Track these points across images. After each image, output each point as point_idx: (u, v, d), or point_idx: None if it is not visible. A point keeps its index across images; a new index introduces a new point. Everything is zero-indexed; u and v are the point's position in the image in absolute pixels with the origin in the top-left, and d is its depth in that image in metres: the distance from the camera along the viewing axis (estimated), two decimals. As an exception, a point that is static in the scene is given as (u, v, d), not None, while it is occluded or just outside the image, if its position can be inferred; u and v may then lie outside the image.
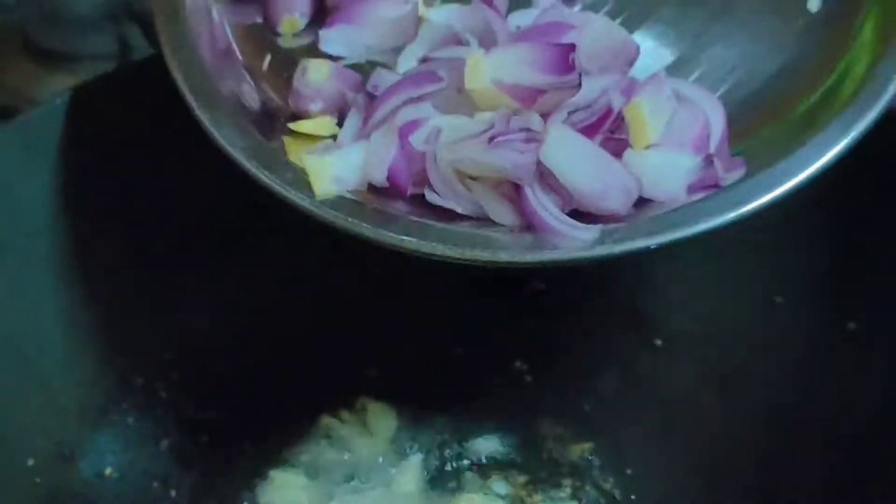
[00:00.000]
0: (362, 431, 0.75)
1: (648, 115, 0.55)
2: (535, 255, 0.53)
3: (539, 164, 0.52)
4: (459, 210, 0.54)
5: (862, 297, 0.65)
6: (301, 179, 0.54)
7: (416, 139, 0.54)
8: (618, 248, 0.53)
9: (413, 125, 0.55)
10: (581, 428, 0.74)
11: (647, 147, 0.54)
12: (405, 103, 0.56)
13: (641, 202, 0.54)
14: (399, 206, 0.55)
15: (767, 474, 0.66)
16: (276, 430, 0.74)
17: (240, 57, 0.62)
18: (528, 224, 0.53)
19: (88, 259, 0.69)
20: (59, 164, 0.68)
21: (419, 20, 0.59)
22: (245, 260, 0.72)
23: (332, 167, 0.55)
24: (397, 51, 0.60)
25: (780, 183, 0.54)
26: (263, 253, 0.72)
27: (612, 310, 0.73)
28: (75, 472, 0.67)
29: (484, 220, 0.54)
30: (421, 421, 0.76)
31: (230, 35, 0.63)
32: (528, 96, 0.54)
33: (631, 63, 0.57)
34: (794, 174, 0.54)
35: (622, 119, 0.54)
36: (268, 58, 0.62)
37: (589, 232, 0.52)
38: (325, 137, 0.58)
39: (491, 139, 0.52)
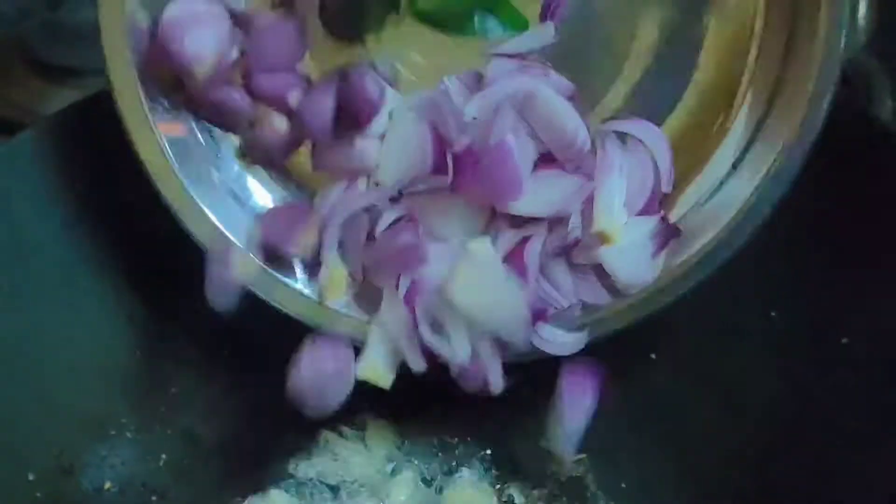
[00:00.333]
0: (360, 448, 0.75)
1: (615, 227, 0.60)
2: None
3: None
4: None
5: (855, 313, 0.65)
6: None
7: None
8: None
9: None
10: (576, 442, 0.74)
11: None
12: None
13: None
14: None
15: (763, 488, 0.66)
16: (275, 445, 0.74)
17: None
18: None
19: (90, 273, 0.70)
20: (62, 178, 0.69)
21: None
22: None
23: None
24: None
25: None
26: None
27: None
28: (75, 486, 0.67)
29: None
30: (417, 437, 0.76)
31: None
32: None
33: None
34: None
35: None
36: None
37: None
38: None
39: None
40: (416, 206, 0.61)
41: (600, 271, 0.62)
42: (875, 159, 0.66)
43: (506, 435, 0.75)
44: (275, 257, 0.64)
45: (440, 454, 0.76)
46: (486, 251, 0.59)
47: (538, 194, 0.59)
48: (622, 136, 0.61)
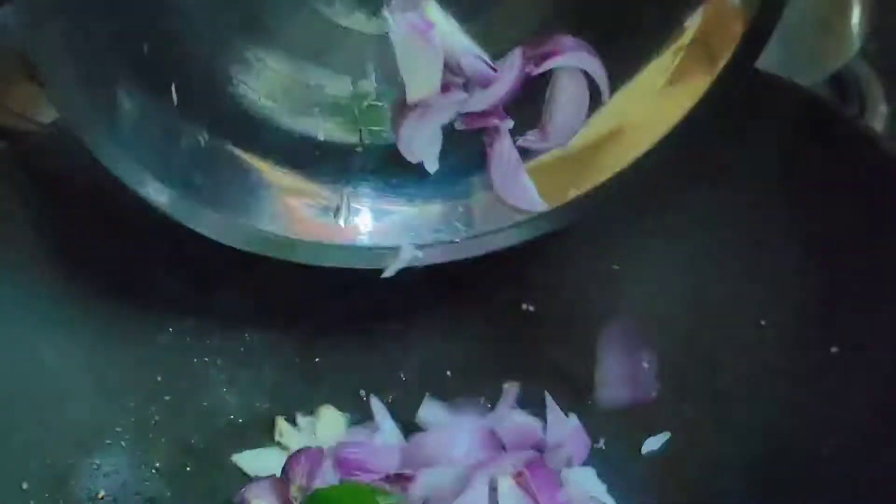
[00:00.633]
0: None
1: None
2: None
3: None
4: None
5: (845, 322, 0.65)
6: None
7: None
8: None
9: None
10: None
11: None
12: None
13: None
14: None
15: (750, 497, 0.66)
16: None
17: None
18: None
19: (84, 283, 0.70)
20: (62, 186, 0.69)
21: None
22: (247, 287, 0.73)
23: None
24: None
25: None
26: (263, 281, 0.72)
27: (601, 330, 0.74)
28: (69, 494, 0.67)
29: None
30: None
31: None
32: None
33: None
34: None
35: None
36: None
37: None
38: None
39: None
40: None
41: None
42: (867, 166, 0.66)
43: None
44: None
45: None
46: None
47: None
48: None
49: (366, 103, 0.66)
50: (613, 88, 0.65)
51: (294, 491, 0.68)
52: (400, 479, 0.69)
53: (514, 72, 0.63)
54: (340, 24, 0.62)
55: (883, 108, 0.85)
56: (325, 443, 0.72)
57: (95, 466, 0.69)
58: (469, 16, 0.62)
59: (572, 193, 0.67)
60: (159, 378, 0.73)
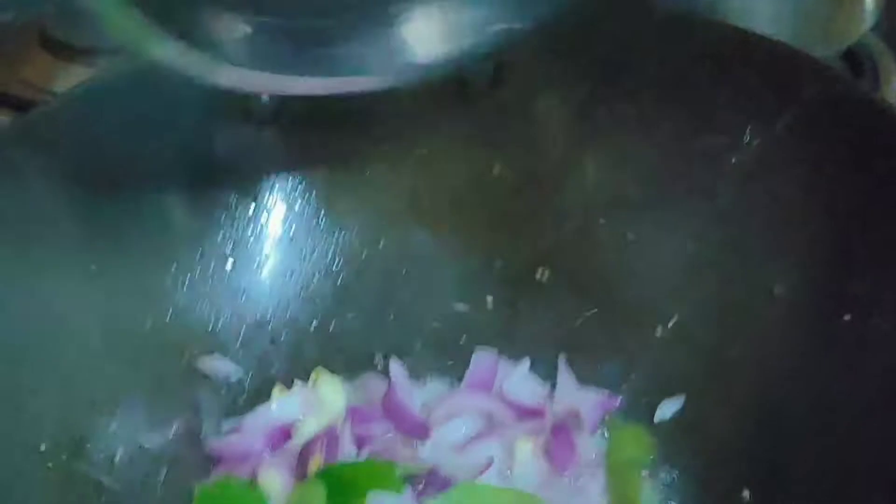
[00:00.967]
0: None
1: None
2: None
3: None
4: None
5: (858, 291, 0.65)
6: None
7: None
8: None
9: None
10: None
11: None
12: None
13: None
14: None
15: (760, 466, 0.66)
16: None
17: None
18: None
19: (103, 248, 0.70)
20: (75, 156, 0.69)
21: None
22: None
23: None
24: None
25: None
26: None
27: (615, 300, 0.75)
28: (86, 456, 0.68)
29: None
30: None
31: None
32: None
33: None
34: None
35: None
36: None
37: None
38: None
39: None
40: None
41: None
42: (880, 140, 0.66)
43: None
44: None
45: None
46: None
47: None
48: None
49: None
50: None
51: (312, 465, 0.69)
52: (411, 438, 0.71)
53: None
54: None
55: (896, 83, 0.86)
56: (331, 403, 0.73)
57: (113, 428, 0.70)
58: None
59: None
60: (175, 339, 0.73)
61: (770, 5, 0.82)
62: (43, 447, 0.66)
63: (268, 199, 0.77)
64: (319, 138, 0.77)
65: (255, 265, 0.77)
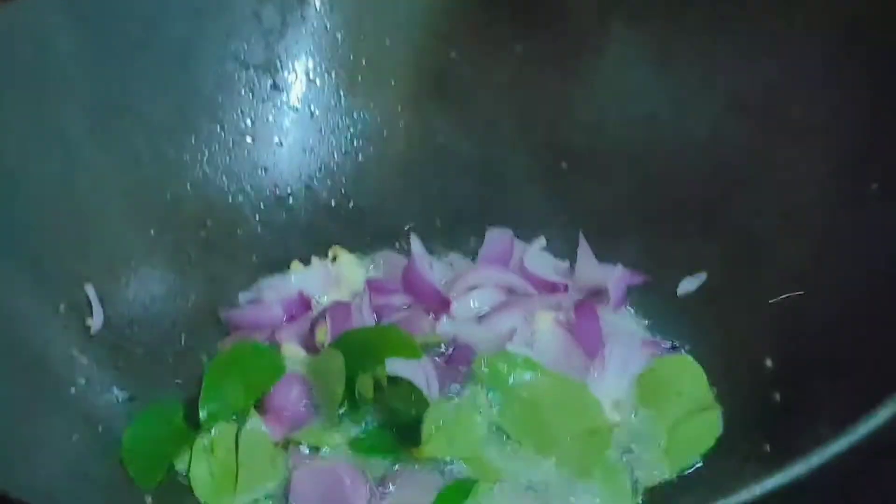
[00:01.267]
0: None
1: None
2: None
3: None
4: None
5: (886, 160, 0.64)
6: None
7: None
8: None
9: None
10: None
11: None
12: None
13: None
14: None
15: (786, 334, 0.65)
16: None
17: None
18: None
19: (123, 113, 0.71)
20: (100, 22, 0.69)
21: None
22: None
23: None
24: None
25: None
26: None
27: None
28: (104, 320, 0.67)
29: None
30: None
31: None
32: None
33: None
34: None
35: None
36: None
37: None
38: None
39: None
40: None
41: None
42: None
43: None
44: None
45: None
46: None
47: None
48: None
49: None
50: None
51: (320, 336, 0.68)
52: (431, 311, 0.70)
53: None
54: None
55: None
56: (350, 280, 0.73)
57: (131, 295, 0.70)
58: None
59: None
60: (197, 211, 0.73)
61: None
62: (62, 307, 0.66)
63: (288, 75, 0.76)
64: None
65: (276, 140, 0.76)
